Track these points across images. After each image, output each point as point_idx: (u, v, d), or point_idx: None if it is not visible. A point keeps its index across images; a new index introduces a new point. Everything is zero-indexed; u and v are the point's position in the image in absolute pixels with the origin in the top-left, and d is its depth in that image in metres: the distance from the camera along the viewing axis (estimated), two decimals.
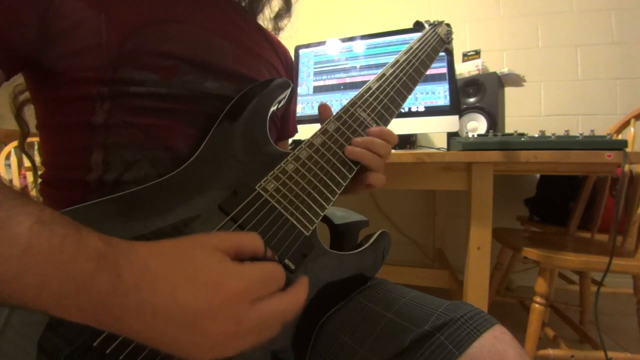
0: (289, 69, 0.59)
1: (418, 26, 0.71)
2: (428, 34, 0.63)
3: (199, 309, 0.23)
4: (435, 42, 0.62)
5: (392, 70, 0.53)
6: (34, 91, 0.40)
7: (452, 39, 0.69)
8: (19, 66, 0.36)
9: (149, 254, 0.24)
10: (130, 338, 0.24)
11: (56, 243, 0.23)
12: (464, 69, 1.39)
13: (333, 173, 0.42)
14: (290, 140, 0.69)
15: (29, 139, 0.49)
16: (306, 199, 0.39)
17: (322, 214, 0.39)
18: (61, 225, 0.24)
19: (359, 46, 1.20)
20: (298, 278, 0.30)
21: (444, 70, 1.10)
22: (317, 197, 0.39)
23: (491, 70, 1.33)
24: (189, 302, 0.23)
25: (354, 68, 1.19)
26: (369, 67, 1.17)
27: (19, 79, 0.40)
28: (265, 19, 0.58)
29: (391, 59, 0.56)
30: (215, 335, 0.23)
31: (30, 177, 1.51)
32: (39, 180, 0.42)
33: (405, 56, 0.56)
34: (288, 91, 0.48)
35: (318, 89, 1.22)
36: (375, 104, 0.49)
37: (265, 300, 0.26)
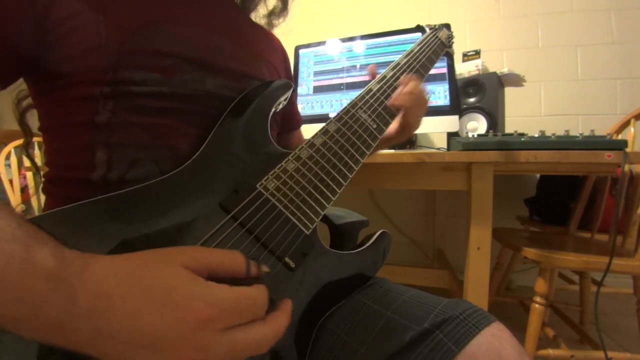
0: (286, 64, 0.60)
1: (419, 30, 0.72)
2: (429, 38, 0.64)
3: (162, 334, 0.21)
4: (436, 45, 0.63)
5: (392, 72, 0.54)
6: (37, 95, 0.40)
7: (452, 42, 0.69)
8: (14, 75, 0.36)
9: (105, 274, 0.23)
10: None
11: (2, 264, 0.21)
12: (464, 69, 1.39)
13: (334, 173, 0.42)
14: None
15: (35, 138, 0.50)
16: (307, 198, 0.39)
17: (322, 213, 0.39)
18: (10, 242, 0.22)
19: (359, 46, 1.20)
20: (281, 302, 0.28)
21: (444, 70, 1.10)
22: (318, 196, 0.40)
23: (491, 70, 1.33)
24: (150, 326, 0.21)
25: (354, 68, 1.19)
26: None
27: (22, 85, 0.41)
28: (258, 16, 0.58)
29: (391, 59, 0.57)
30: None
31: (30, 176, 1.51)
32: (43, 179, 0.42)
33: (406, 59, 0.57)
34: (289, 92, 0.48)
35: (318, 89, 1.22)
36: (375, 105, 0.49)
37: (239, 329, 0.24)
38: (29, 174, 1.51)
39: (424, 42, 0.62)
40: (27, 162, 1.48)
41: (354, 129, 0.46)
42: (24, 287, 0.21)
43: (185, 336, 0.22)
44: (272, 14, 0.59)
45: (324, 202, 0.40)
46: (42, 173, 0.43)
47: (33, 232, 0.24)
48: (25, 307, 0.21)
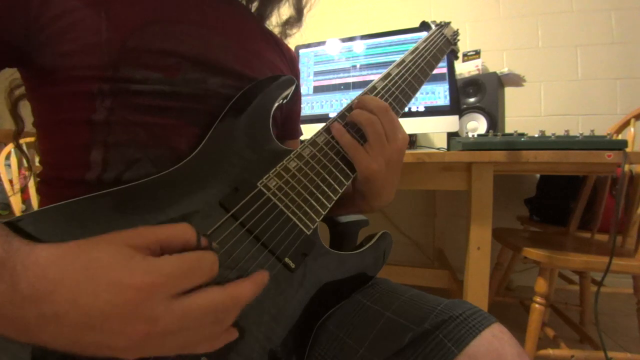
0: (293, 70, 0.59)
1: (424, 26, 0.71)
2: (434, 35, 0.62)
3: (102, 311, 0.21)
4: (441, 42, 0.62)
5: (397, 70, 0.52)
6: (31, 89, 0.39)
7: (458, 40, 0.69)
8: None
9: (47, 259, 0.22)
10: (51, 349, 0.22)
11: None
12: (464, 69, 1.39)
13: (336, 172, 0.41)
14: None
15: (29, 139, 0.49)
16: (308, 197, 0.39)
17: (323, 213, 0.39)
18: None
19: (359, 46, 1.20)
20: (255, 272, 0.28)
21: (444, 70, 1.10)
22: (319, 196, 0.39)
23: (491, 70, 1.33)
24: (90, 305, 0.21)
25: (354, 68, 1.19)
26: (369, 67, 1.17)
27: (15, 74, 0.40)
28: (271, 24, 0.58)
29: (391, 59, 0.56)
30: (130, 335, 0.21)
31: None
32: (37, 179, 0.41)
33: (412, 56, 0.55)
34: (292, 88, 0.47)
35: (318, 89, 1.22)
36: None
37: (190, 295, 0.23)
38: (29, 173, 1.51)
39: (430, 39, 0.61)
40: (26, 162, 1.48)
41: (357, 127, 0.45)
42: None
43: (128, 310, 0.21)
44: (286, 24, 0.59)
45: (326, 202, 0.40)
46: (34, 171, 0.42)
47: None
48: None
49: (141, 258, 0.23)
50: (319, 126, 0.45)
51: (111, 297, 0.21)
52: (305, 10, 0.59)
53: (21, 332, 0.22)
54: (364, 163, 0.41)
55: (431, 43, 0.60)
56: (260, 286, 0.27)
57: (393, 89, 0.50)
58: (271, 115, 0.44)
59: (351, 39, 1.22)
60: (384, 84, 0.50)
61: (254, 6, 0.56)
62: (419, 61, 0.55)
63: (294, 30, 0.60)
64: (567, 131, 0.86)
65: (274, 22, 0.58)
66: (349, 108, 0.46)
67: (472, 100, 1.19)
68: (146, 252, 0.24)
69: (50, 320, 0.21)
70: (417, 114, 1.11)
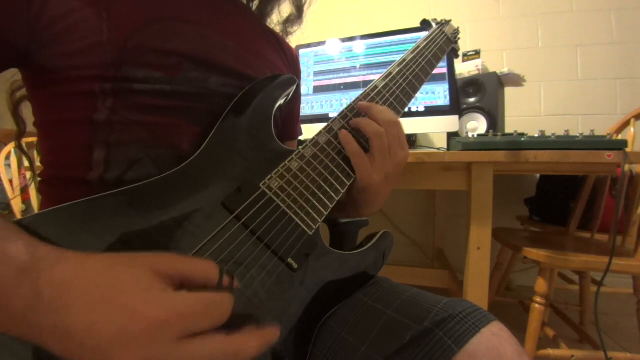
0: (294, 69, 0.59)
1: (425, 25, 0.71)
2: (435, 33, 0.62)
3: (110, 336, 0.21)
4: (442, 41, 0.62)
5: (399, 69, 0.52)
6: (32, 89, 0.39)
7: (459, 38, 0.69)
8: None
9: (73, 270, 0.22)
10: (58, 357, 0.22)
11: None
12: (464, 69, 1.39)
13: (337, 172, 0.41)
14: None
15: (30, 139, 0.49)
16: (310, 198, 0.39)
17: (325, 214, 0.39)
18: None
19: (359, 46, 1.20)
20: (264, 326, 0.27)
21: (444, 70, 1.10)
22: (321, 196, 0.39)
23: (491, 70, 1.33)
24: (101, 327, 0.21)
25: (354, 68, 1.19)
26: (369, 67, 1.17)
27: (17, 75, 0.40)
28: (272, 23, 0.58)
29: (391, 59, 0.56)
30: None
31: (30, 176, 1.51)
32: (38, 179, 0.41)
33: (412, 55, 0.55)
34: (293, 88, 0.47)
35: (318, 89, 1.22)
36: (381, 103, 0.48)
37: (194, 340, 0.22)
38: (29, 174, 1.51)
39: (431, 37, 0.61)
40: (27, 162, 1.47)
41: (361, 134, 0.45)
42: None
43: (134, 342, 0.21)
44: (287, 22, 0.59)
45: (328, 203, 0.40)
46: (37, 171, 0.42)
47: (7, 226, 0.24)
48: None
49: (159, 289, 0.23)
50: (318, 126, 0.45)
51: (122, 324, 0.21)
52: (305, 7, 0.59)
53: (34, 337, 0.22)
54: (366, 173, 0.42)
55: (432, 42, 0.60)
56: (267, 344, 0.26)
57: (394, 88, 0.50)
58: (273, 115, 0.43)
59: (351, 39, 1.22)
60: (385, 82, 0.50)
61: (255, 5, 0.56)
62: (420, 60, 0.55)
63: (295, 28, 0.60)
64: (567, 131, 0.87)
65: (275, 21, 0.58)
66: (352, 108, 0.46)
67: (472, 100, 1.20)
68: (167, 280, 0.24)
69: (62, 332, 0.21)
70: (417, 114, 1.11)
